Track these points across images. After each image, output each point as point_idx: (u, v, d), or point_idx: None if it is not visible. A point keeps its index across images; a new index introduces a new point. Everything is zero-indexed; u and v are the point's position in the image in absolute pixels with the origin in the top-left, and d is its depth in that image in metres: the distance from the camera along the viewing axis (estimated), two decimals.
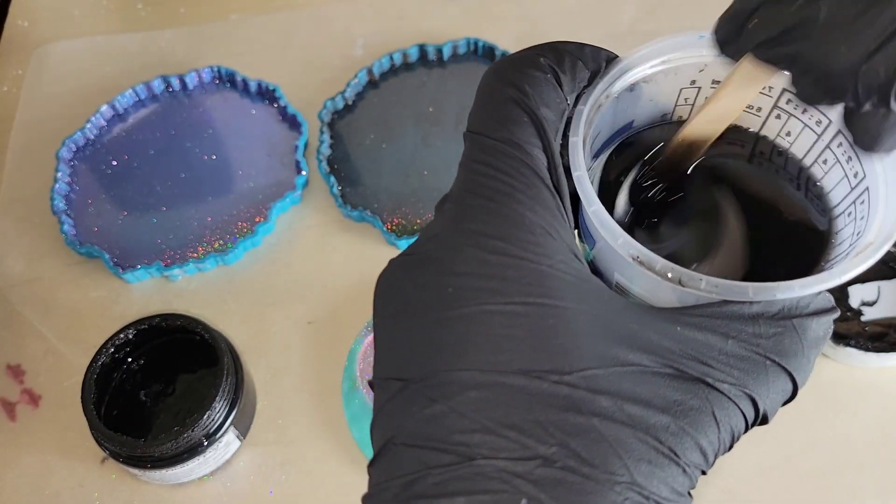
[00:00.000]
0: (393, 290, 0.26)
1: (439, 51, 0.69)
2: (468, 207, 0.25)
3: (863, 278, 0.56)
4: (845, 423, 0.53)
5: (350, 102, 0.67)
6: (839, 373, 0.54)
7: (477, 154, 0.26)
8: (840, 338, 0.53)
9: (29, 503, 0.53)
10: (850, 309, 0.55)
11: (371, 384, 0.26)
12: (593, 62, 0.27)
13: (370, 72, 0.68)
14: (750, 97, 0.26)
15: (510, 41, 0.68)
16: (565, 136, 0.27)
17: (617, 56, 0.28)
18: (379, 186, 0.63)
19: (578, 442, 0.23)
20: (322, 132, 0.65)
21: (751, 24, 0.24)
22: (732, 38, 0.25)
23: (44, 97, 0.70)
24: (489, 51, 0.68)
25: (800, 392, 0.26)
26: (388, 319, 0.26)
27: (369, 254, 0.60)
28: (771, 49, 0.24)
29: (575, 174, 0.26)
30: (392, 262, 0.27)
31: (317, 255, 0.61)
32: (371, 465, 0.25)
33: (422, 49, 0.69)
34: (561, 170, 0.26)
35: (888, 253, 0.56)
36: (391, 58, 0.68)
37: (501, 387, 0.23)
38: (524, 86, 0.26)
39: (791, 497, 0.51)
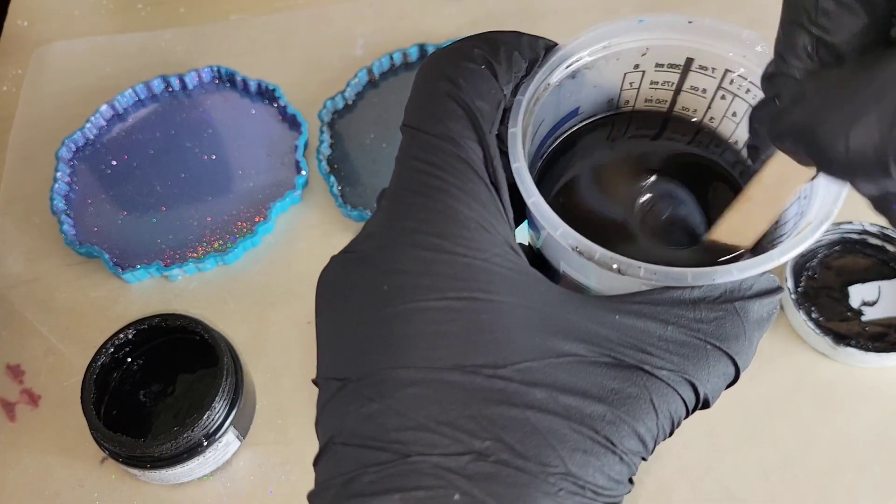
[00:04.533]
0: (331, 288, 0.26)
1: None
2: (403, 205, 0.25)
3: (863, 278, 0.56)
4: (845, 423, 0.53)
5: (350, 102, 0.67)
6: (839, 373, 0.54)
7: (412, 149, 0.26)
8: (840, 338, 0.53)
9: (29, 503, 0.53)
10: (850, 309, 0.55)
11: (315, 382, 0.26)
12: (531, 51, 0.27)
13: (370, 72, 0.68)
14: (787, 187, 0.25)
15: None
16: (503, 127, 0.26)
17: (556, 44, 0.28)
18: (379, 186, 0.63)
19: (512, 435, 0.23)
20: (322, 132, 0.65)
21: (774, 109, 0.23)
22: (762, 135, 0.25)
23: (44, 97, 0.70)
24: None
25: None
26: (327, 318, 0.26)
27: None
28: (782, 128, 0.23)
29: (514, 166, 0.26)
30: (332, 259, 0.27)
31: (317, 255, 0.61)
32: (315, 463, 0.25)
33: (422, 49, 0.69)
34: (497, 161, 0.26)
35: (888, 253, 0.56)
36: (391, 58, 0.68)
37: (437, 383, 0.23)
38: (458, 79, 0.26)
39: (791, 497, 0.51)
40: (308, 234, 0.62)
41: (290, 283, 0.60)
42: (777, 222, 0.28)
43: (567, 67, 0.28)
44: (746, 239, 0.27)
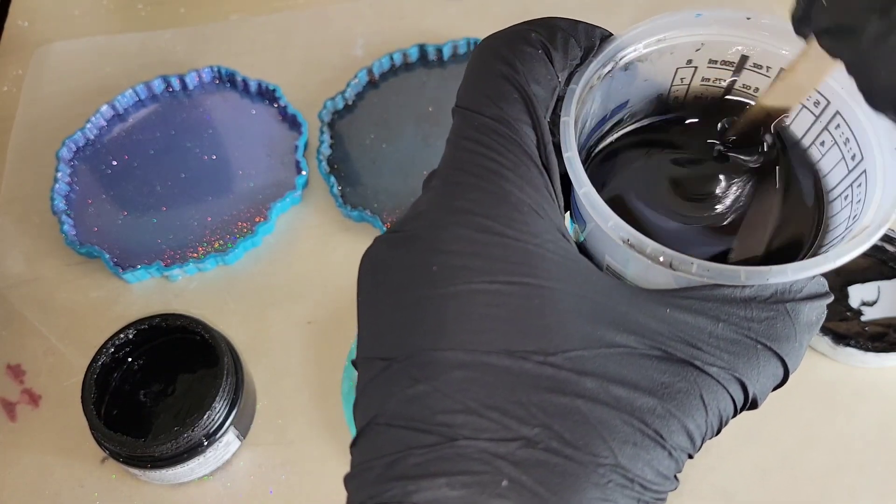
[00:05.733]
0: (377, 267, 0.26)
1: (439, 51, 0.69)
2: (455, 185, 0.25)
3: (863, 278, 0.56)
4: (845, 423, 0.53)
5: (350, 102, 0.67)
6: (839, 373, 0.54)
7: (465, 130, 0.25)
8: (840, 338, 0.53)
9: (29, 503, 0.53)
10: (850, 309, 0.55)
11: (354, 364, 0.26)
12: (587, 39, 0.27)
13: (370, 72, 0.68)
14: (826, 76, 0.25)
15: None
16: (556, 115, 0.26)
17: (612, 34, 0.28)
18: (379, 186, 0.63)
19: (562, 423, 0.22)
20: (322, 132, 0.65)
21: (817, 5, 0.23)
22: (804, 16, 0.24)
23: (44, 97, 0.70)
24: None
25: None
26: (373, 297, 0.26)
27: None
28: (828, 40, 0.23)
29: (566, 155, 0.25)
30: (377, 239, 0.26)
31: (317, 255, 0.61)
32: (353, 444, 0.25)
33: (422, 49, 0.69)
34: (550, 147, 0.25)
35: (888, 253, 0.56)
36: (391, 58, 0.68)
37: (485, 367, 0.23)
38: (515, 62, 0.25)
39: (791, 497, 0.51)
40: (308, 234, 0.62)
41: (291, 284, 0.60)
42: (826, 226, 0.27)
43: (621, 59, 0.28)
44: (789, 103, 0.26)
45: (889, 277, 0.56)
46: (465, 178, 0.25)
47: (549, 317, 0.23)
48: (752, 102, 0.29)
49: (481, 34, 0.69)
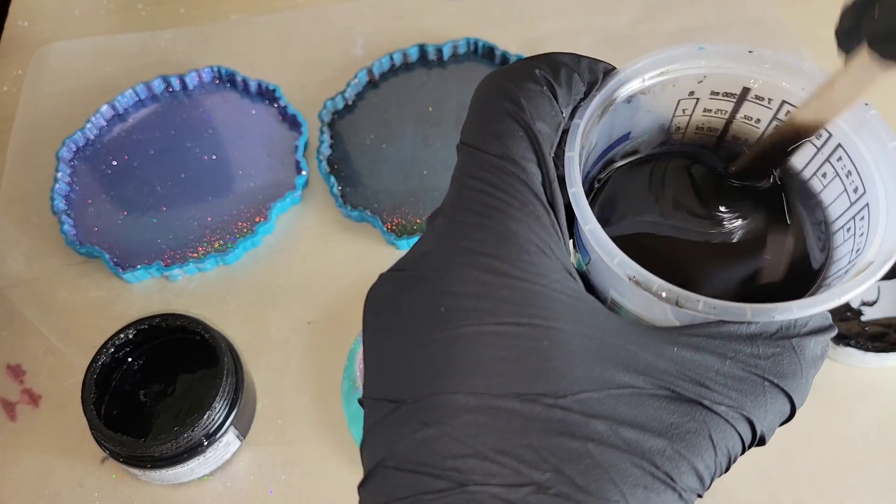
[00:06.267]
0: (383, 306, 0.26)
1: (439, 51, 0.69)
2: (461, 224, 0.25)
3: None
4: (845, 422, 0.53)
5: (350, 102, 0.67)
6: (839, 373, 0.54)
7: (471, 168, 0.25)
8: (840, 338, 0.53)
9: (29, 503, 0.53)
10: (850, 309, 0.55)
11: (361, 403, 0.26)
12: (590, 74, 0.27)
13: (370, 72, 0.68)
14: (865, 93, 0.25)
15: (510, 41, 0.68)
16: (560, 149, 0.26)
17: (614, 68, 0.28)
18: (379, 186, 0.63)
19: (573, 468, 0.22)
20: (322, 132, 0.65)
21: (871, 14, 0.23)
22: (853, 31, 0.24)
23: (44, 97, 0.70)
24: (489, 51, 0.68)
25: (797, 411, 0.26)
26: (379, 337, 0.25)
27: (369, 254, 0.60)
28: (888, 45, 0.23)
29: (570, 190, 0.25)
30: (382, 276, 0.26)
31: (317, 255, 0.61)
32: (361, 486, 0.24)
33: (422, 49, 0.69)
34: (556, 185, 0.25)
35: None
36: (391, 58, 0.68)
37: (495, 410, 0.23)
38: (520, 99, 0.25)
39: (790, 497, 0.51)
40: (308, 234, 0.62)
41: (291, 284, 0.60)
42: (831, 258, 0.27)
43: (624, 92, 0.28)
44: (824, 120, 0.26)
45: (889, 277, 0.56)
46: (471, 218, 0.25)
47: (558, 358, 0.23)
48: (751, 137, 0.30)
49: (481, 34, 0.69)
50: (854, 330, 0.54)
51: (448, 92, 0.67)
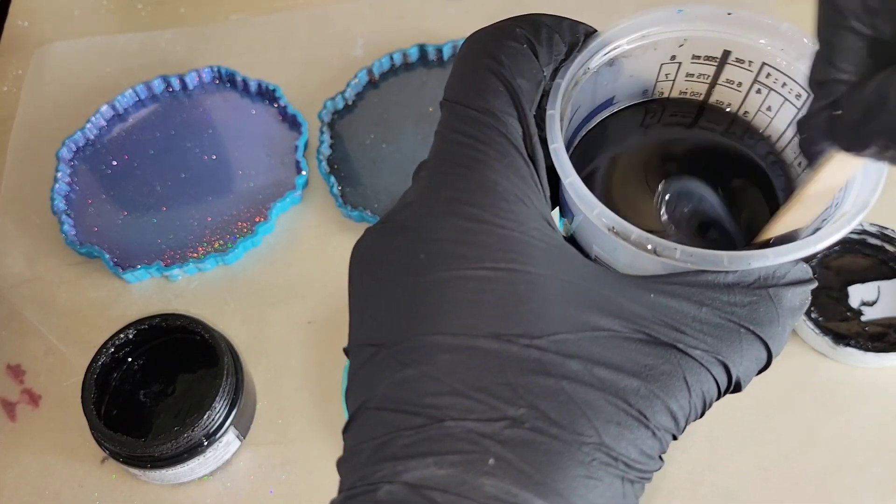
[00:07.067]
0: (367, 257, 0.26)
1: (439, 51, 0.69)
2: (443, 175, 0.26)
3: (863, 278, 0.56)
4: (845, 422, 0.53)
5: (350, 102, 0.67)
6: (839, 373, 0.54)
7: (453, 123, 0.26)
8: (840, 338, 0.53)
9: (29, 503, 0.53)
10: (850, 309, 0.55)
11: (346, 351, 0.26)
12: (571, 35, 0.27)
13: (370, 72, 0.68)
14: (840, 184, 0.26)
15: None
16: (542, 109, 0.27)
17: (596, 30, 0.28)
18: (379, 186, 0.63)
19: (547, 403, 0.23)
20: (322, 132, 0.65)
21: (834, 115, 0.23)
22: (818, 139, 0.25)
23: (44, 97, 0.70)
24: None
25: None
26: (362, 286, 0.26)
27: None
28: (858, 134, 0.23)
29: (552, 146, 0.26)
30: (367, 230, 0.27)
31: (317, 255, 0.61)
32: (345, 430, 0.25)
33: (422, 49, 0.69)
34: (536, 139, 0.26)
35: (888, 253, 0.56)
36: (391, 58, 0.68)
37: (472, 350, 0.23)
38: (500, 56, 0.26)
39: (791, 497, 0.51)
40: (308, 234, 0.62)
41: (291, 283, 0.60)
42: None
43: (605, 54, 0.28)
44: (811, 215, 0.27)
45: (889, 277, 0.56)
46: (453, 169, 0.25)
47: (534, 301, 0.24)
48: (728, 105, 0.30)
49: None
50: (854, 330, 0.54)
51: None
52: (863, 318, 0.55)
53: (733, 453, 0.52)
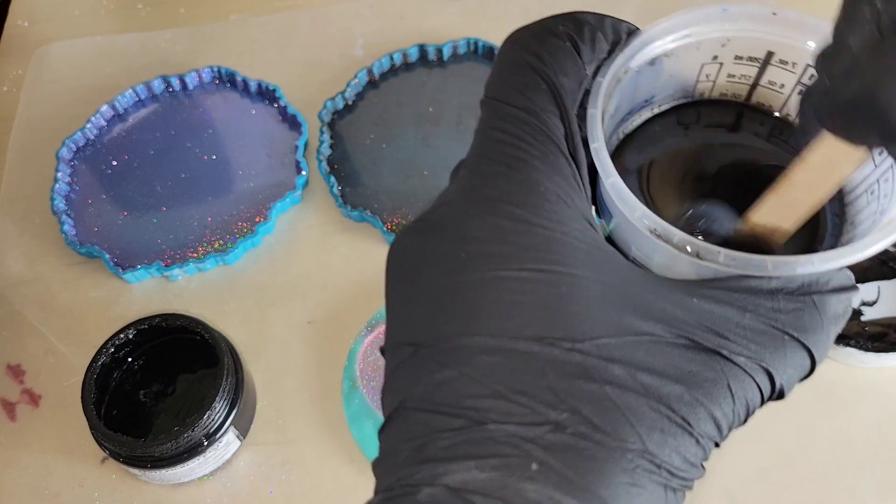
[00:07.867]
0: (405, 256, 0.26)
1: (439, 51, 0.69)
2: (483, 173, 0.25)
3: (863, 278, 0.56)
4: (845, 422, 0.53)
5: (350, 102, 0.67)
6: (839, 373, 0.54)
7: (494, 121, 0.26)
8: (840, 338, 0.53)
9: (29, 503, 0.53)
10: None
11: (382, 351, 0.26)
12: (613, 34, 0.27)
13: (370, 72, 0.68)
14: (835, 177, 0.25)
15: None
16: (583, 108, 0.26)
17: (638, 29, 0.28)
18: (379, 186, 0.63)
19: (590, 409, 0.22)
20: (322, 132, 0.65)
21: (826, 91, 0.23)
22: (810, 119, 0.24)
23: (44, 97, 0.70)
24: (489, 51, 0.68)
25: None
26: (400, 285, 0.26)
27: (369, 254, 0.60)
28: (837, 110, 0.23)
29: (593, 146, 0.25)
30: (404, 228, 0.27)
31: (317, 255, 0.61)
32: (381, 431, 0.25)
33: (422, 49, 0.69)
34: (578, 138, 0.25)
35: (888, 253, 0.56)
36: (391, 58, 0.68)
37: (513, 353, 0.23)
38: (543, 53, 0.26)
39: (790, 497, 0.51)
40: (308, 234, 0.62)
41: (291, 283, 0.60)
42: (853, 223, 0.27)
43: (647, 53, 0.28)
44: (786, 223, 0.26)
45: (889, 277, 0.56)
46: (494, 168, 0.25)
47: (576, 304, 0.23)
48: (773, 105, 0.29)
49: (481, 34, 0.69)
50: (854, 330, 0.54)
51: (448, 92, 0.67)
52: (863, 318, 0.55)
53: (733, 453, 0.52)
